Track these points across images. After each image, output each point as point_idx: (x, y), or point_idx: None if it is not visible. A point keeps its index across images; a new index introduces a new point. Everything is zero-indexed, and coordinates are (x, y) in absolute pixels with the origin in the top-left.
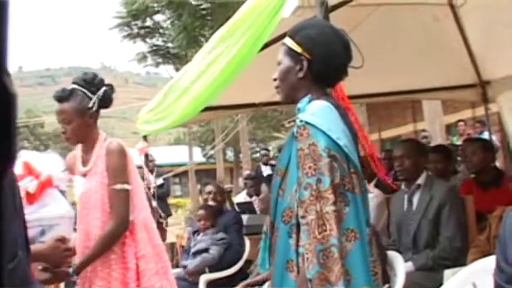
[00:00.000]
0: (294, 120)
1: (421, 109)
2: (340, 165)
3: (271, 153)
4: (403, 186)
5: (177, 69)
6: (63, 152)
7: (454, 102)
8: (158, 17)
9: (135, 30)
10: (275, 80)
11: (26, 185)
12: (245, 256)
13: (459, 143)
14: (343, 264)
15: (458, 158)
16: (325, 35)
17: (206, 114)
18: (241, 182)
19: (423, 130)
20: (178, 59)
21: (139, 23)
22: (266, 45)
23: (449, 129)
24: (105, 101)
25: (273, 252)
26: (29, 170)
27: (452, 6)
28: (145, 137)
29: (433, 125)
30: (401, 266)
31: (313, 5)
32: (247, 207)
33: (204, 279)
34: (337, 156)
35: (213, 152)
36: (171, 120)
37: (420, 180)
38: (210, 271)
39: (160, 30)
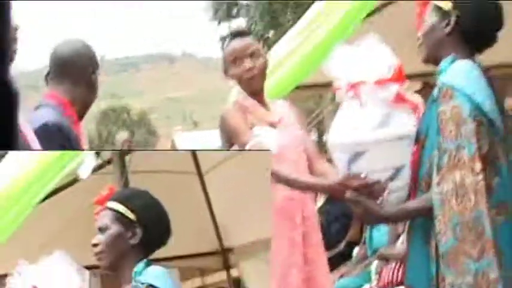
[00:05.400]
0: None
1: None
2: (487, 132)
3: None
4: None
5: None
6: (148, 136)
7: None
8: None
9: (220, 13)
10: (418, 39)
11: None
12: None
13: None
14: (488, 239)
15: None
16: None
17: None
18: None
19: None
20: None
21: (225, 4)
22: None
23: None
24: None
25: (410, 225)
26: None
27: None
28: None
29: None
30: None
31: None
32: None
33: None
34: (484, 121)
35: None
36: None
37: None
38: None
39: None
